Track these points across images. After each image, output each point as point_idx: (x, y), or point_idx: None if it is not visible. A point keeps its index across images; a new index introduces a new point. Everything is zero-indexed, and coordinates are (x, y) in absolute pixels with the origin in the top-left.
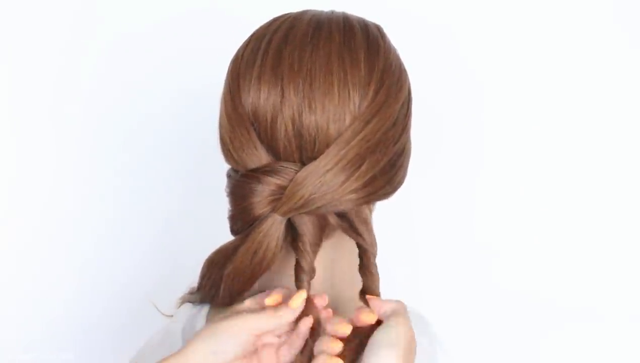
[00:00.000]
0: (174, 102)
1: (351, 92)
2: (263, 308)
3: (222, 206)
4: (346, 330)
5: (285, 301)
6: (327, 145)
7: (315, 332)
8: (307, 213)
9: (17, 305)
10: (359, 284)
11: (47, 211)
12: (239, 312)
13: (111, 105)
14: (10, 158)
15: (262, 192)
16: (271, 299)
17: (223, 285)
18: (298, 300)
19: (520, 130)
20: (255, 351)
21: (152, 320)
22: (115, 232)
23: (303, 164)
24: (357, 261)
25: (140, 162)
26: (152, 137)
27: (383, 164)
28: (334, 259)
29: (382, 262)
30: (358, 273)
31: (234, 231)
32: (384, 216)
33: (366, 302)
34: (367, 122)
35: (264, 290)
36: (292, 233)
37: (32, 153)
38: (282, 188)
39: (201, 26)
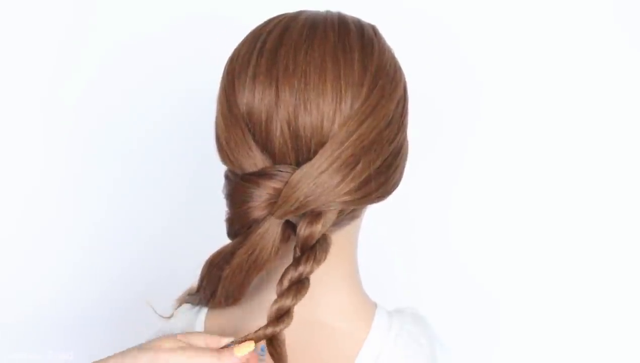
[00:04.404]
0: (173, 104)
1: (345, 92)
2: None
3: (222, 207)
4: None
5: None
6: (322, 146)
7: None
8: (304, 214)
9: (14, 305)
10: (347, 311)
11: (46, 212)
12: (181, 348)
13: (112, 106)
14: (11, 158)
15: (260, 196)
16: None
17: (220, 286)
18: (244, 350)
19: (520, 129)
20: None
21: (152, 321)
22: (114, 233)
23: (299, 164)
24: (354, 281)
25: (141, 163)
26: (151, 139)
27: (378, 164)
28: (326, 272)
29: (382, 261)
30: (352, 297)
31: (230, 234)
32: (384, 215)
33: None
34: (361, 122)
35: (260, 288)
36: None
37: (32, 154)
38: (278, 191)
39: (202, 29)
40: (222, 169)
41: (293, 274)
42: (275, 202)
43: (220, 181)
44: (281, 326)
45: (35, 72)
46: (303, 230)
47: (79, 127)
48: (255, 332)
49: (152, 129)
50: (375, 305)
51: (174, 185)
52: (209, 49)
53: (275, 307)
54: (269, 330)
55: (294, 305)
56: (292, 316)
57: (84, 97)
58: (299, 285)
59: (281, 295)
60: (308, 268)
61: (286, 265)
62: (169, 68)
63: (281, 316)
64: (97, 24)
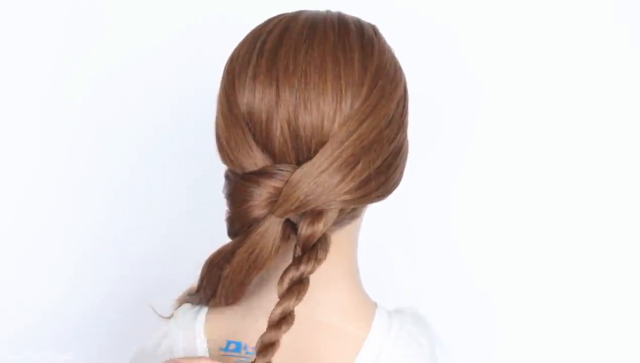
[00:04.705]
0: (174, 104)
1: (345, 91)
2: None
3: (224, 208)
4: None
5: None
6: (323, 145)
7: None
8: (305, 214)
9: (13, 305)
10: (347, 311)
11: (48, 213)
12: None
13: (115, 107)
14: (14, 159)
15: (260, 195)
16: None
17: (220, 286)
18: None
19: (521, 129)
20: None
21: (152, 320)
22: (116, 234)
23: (299, 164)
24: (354, 281)
25: (142, 164)
26: (153, 140)
27: (379, 164)
28: (326, 271)
29: (382, 261)
30: (352, 296)
31: (231, 233)
32: (384, 215)
33: None
34: (362, 122)
35: (260, 287)
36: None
37: (34, 155)
38: (279, 190)
39: (202, 30)
40: (223, 169)
41: (294, 274)
42: (275, 201)
43: (222, 182)
44: (284, 328)
45: (40, 73)
46: (305, 229)
47: (82, 129)
48: (260, 338)
49: (154, 130)
50: (375, 305)
51: (176, 187)
52: (209, 48)
53: (279, 309)
54: (273, 335)
55: (295, 305)
56: (294, 317)
57: (88, 99)
58: (300, 285)
59: (283, 296)
60: (309, 268)
61: (286, 264)
62: (170, 68)
63: (284, 318)
64: (98, 26)
